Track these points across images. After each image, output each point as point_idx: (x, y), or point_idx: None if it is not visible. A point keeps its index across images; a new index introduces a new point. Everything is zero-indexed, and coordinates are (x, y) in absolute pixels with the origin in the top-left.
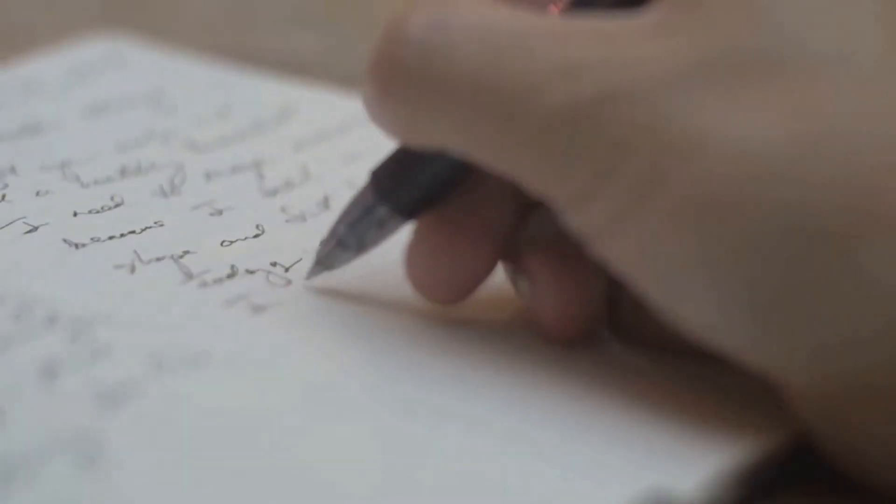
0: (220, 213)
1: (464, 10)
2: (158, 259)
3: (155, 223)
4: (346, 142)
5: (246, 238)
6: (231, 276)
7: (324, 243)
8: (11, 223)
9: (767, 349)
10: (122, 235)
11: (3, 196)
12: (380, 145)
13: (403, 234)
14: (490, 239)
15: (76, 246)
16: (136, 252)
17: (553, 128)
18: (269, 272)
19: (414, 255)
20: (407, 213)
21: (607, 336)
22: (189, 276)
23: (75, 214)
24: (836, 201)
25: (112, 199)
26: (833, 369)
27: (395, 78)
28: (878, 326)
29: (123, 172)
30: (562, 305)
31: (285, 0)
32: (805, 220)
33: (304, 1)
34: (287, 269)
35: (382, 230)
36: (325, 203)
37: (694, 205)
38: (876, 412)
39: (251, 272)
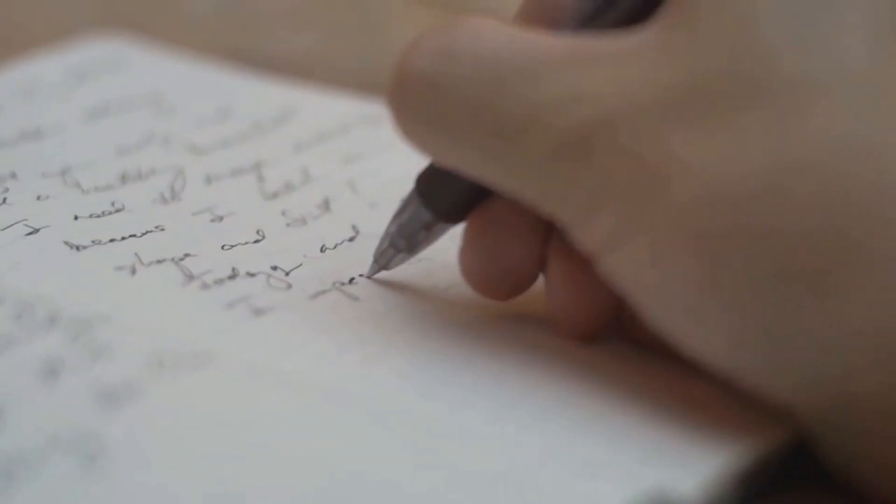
0: (220, 219)
1: (470, 37)
2: (159, 261)
3: (156, 227)
4: (346, 142)
5: (246, 243)
6: (232, 277)
7: (379, 243)
8: (12, 225)
9: (759, 374)
10: (122, 239)
11: (4, 199)
12: (380, 146)
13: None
14: (538, 233)
15: (77, 248)
16: (136, 254)
17: (552, 153)
18: (269, 275)
19: (467, 255)
20: (451, 217)
21: (610, 335)
22: (190, 277)
23: (76, 219)
24: (811, 235)
25: (112, 205)
26: (828, 394)
27: (404, 106)
28: (863, 363)
29: (124, 178)
30: (574, 304)
31: (285, 1)
32: (783, 254)
33: (304, 1)
34: (287, 274)
35: (431, 233)
36: (326, 205)
37: (678, 232)
38: (875, 430)
39: (252, 275)
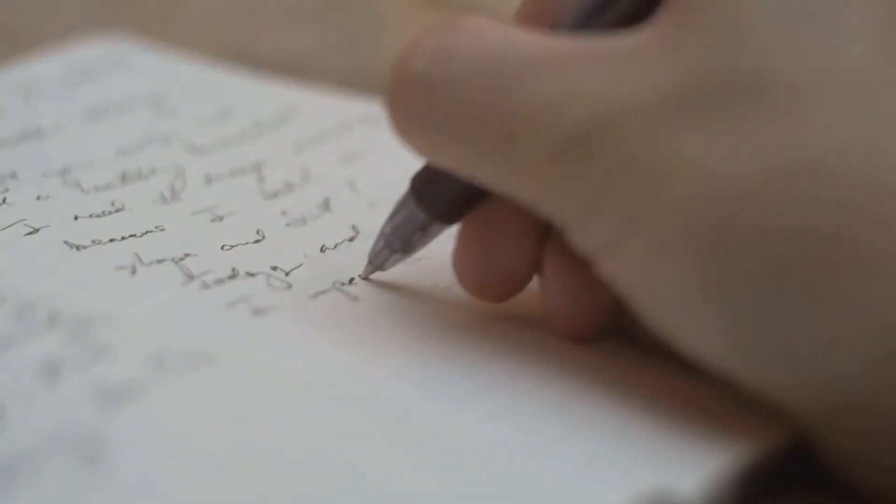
0: (220, 218)
1: (467, 37)
2: (159, 261)
3: (156, 227)
4: (346, 142)
5: (247, 243)
6: (232, 277)
7: (374, 244)
8: (12, 224)
9: (758, 374)
10: (122, 238)
11: (4, 199)
12: (380, 146)
13: None
14: (533, 234)
15: (77, 248)
16: (136, 254)
17: (551, 156)
18: (269, 275)
19: (461, 256)
20: (446, 218)
21: (609, 335)
22: (190, 277)
23: (76, 218)
24: (810, 235)
25: (113, 204)
26: (827, 394)
27: (401, 107)
28: (862, 363)
29: (124, 178)
30: (569, 305)
31: (285, 0)
32: (782, 253)
33: (304, 1)
34: (287, 274)
35: (426, 233)
36: (326, 205)
37: (677, 232)
38: (875, 430)
39: (252, 275)
